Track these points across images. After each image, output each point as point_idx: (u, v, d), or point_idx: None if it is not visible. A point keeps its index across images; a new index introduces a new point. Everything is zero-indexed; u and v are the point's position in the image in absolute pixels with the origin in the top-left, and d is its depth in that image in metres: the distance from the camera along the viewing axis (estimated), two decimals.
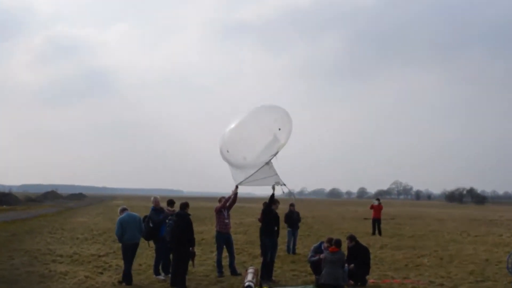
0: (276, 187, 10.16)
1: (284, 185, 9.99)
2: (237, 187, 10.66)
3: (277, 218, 11.02)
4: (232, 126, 10.02)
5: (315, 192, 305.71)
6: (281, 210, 12.19)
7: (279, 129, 9.68)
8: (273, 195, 10.54)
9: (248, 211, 43.67)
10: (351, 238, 10.94)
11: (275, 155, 9.85)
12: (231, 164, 10.27)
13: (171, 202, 11.13)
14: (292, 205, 14.74)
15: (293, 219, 14.97)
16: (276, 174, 10.01)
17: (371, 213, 23.04)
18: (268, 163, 9.94)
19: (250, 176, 10.11)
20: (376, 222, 22.04)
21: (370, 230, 22.34)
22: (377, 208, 22.33)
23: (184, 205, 9.92)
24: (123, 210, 10.37)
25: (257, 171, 9.98)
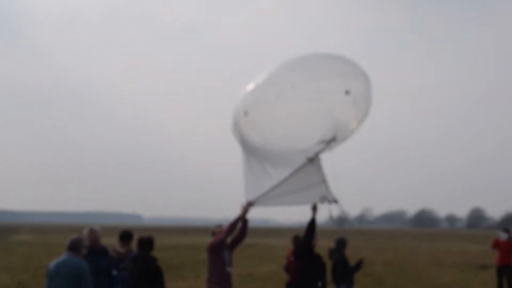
0: (320, 206, 6.45)
1: (336, 201, 6.17)
2: (249, 205, 6.59)
3: (321, 266, 6.95)
4: (261, 80, 6.25)
5: (387, 217, 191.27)
6: (321, 250, 7.32)
7: (346, 92, 5.69)
8: (313, 221, 6.66)
9: (263, 253, 27.07)
10: None
11: (329, 144, 5.99)
12: (247, 144, 6.50)
13: (126, 237, 6.66)
14: (341, 242, 8.15)
15: (345, 266, 8.23)
16: (324, 181, 6.25)
17: (495, 256, 13.89)
18: (313, 160, 6.18)
19: (280, 185, 6.26)
20: (505, 272, 13.23)
21: (493, 287, 13.71)
22: (506, 247, 13.36)
23: (146, 243, 6.04)
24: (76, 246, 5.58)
25: (293, 174, 6.17)
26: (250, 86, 6.26)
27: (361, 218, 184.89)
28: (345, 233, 7.75)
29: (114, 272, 6.03)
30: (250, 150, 6.48)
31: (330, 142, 5.89)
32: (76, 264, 5.45)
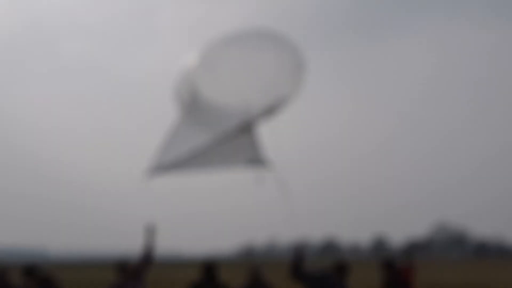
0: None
1: (265, 163, 5.48)
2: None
3: None
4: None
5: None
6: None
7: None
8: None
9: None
10: None
11: (269, 112, 5.51)
12: (194, 101, 5.72)
13: (30, 273, 6.02)
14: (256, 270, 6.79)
15: None
16: (255, 142, 5.56)
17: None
18: (248, 128, 5.54)
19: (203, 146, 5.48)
20: None
21: None
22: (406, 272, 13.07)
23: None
24: None
25: (221, 136, 5.46)
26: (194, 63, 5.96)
27: (268, 250, 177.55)
28: (255, 265, 7.21)
29: None
30: (193, 110, 5.81)
31: (272, 110, 5.53)
32: None
